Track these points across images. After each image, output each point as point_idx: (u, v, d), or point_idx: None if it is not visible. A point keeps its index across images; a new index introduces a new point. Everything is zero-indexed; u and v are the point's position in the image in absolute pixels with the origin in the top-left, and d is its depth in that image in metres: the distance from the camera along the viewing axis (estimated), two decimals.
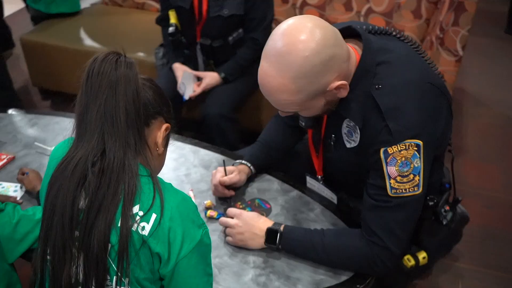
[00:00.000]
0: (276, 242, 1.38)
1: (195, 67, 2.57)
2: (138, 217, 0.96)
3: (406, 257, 1.46)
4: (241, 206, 1.57)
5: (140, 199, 0.97)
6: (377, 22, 2.86)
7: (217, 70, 2.53)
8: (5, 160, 1.72)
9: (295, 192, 1.64)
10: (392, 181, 1.25)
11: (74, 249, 0.98)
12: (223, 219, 1.46)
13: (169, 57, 2.62)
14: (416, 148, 1.23)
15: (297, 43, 1.13)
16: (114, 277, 0.98)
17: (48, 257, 1.02)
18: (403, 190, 1.26)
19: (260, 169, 1.69)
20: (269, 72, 1.18)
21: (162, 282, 1.03)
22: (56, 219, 0.97)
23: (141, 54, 2.95)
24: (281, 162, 1.76)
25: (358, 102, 1.27)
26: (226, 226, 1.45)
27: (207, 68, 2.58)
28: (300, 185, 1.66)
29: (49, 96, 3.45)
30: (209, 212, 1.53)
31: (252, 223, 1.41)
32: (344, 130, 1.37)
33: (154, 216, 0.96)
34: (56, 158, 1.03)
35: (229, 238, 1.43)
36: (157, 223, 0.96)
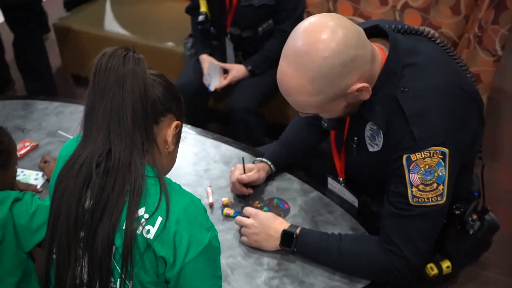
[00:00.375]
0: (292, 246, 1.35)
1: (223, 59, 2.55)
2: (143, 220, 0.93)
3: (429, 266, 1.40)
4: (259, 205, 1.54)
5: (146, 201, 0.94)
6: (413, 18, 2.75)
7: (244, 63, 2.49)
8: (28, 148, 1.74)
9: (315, 193, 1.59)
10: (414, 189, 1.20)
11: (79, 250, 0.96)
12: (238, 218, 1.43)
13: (196, 48, 2.60)
14: (441, 156, 1.17)
15: (317, 42, 1.09)
16: (118, 280, 0.96)
17: (53, 256, 1.01)
18: (425, 199, 1.20)
19: (280, 167, 1.65)
20: (287, 72, 1.14)
21: (168, 285, 1.01)
22: (62, 219, 0.96)
23: (170, 44, 2.94)
24: (304, 161, 1.72)
25: (382, 105, 1.22)
26: (241, 226, 1.42)
27: (236, 60, 2.55)
28: (321, 186, 1.62)
29: (81, 82, 3.48)
30: (226, 210, 1.50)
31: (268, 224, 1.38)
32: (367, 133, 1.32)
33: (159, 219, 0.94)
34: (64, 156, 1.01)
35: (244, 238, 1.40)
36: (163, 226, 0.94)
